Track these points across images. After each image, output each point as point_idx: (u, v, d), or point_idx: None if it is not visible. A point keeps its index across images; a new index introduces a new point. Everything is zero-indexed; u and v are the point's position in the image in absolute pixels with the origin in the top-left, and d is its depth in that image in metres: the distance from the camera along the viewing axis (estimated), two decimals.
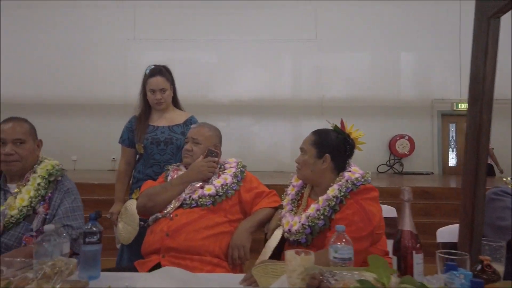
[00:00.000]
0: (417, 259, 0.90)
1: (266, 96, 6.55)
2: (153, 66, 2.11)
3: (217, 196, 1.48)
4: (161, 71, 2.02)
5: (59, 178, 1.56)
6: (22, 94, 6.53)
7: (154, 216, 1.48)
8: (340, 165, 1.35)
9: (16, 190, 1.53)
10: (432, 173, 6.38)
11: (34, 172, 1.57)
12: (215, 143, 1.70)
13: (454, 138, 6.62)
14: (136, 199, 1.76)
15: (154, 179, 1.80)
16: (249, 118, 6.67)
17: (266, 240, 1.47)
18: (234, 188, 1.53)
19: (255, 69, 6.66)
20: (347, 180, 1.29)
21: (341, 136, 1.39)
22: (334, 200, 1.25)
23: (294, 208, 1.40)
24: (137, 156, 2.02)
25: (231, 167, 1.64)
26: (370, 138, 6.46)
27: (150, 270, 1.26)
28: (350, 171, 1.34)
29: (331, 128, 1.41)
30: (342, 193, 1.26)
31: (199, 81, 6.54)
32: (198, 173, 1.56)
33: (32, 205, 1.47)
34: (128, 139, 2.07)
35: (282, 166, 6.30)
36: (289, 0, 6.52)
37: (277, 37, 6.52)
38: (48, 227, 0.99)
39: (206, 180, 1.57)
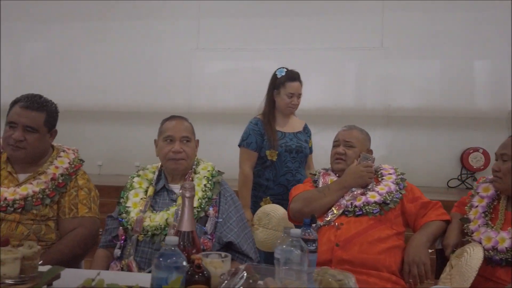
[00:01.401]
0: None
1: (330, 105, 6.41)
2: (286, 69, 2.08)
3: (383, 204, 1.36)
4: (299, 76, 2.01)
5: (220, 181, 1.52)
6: (87, 102, 6.76)
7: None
8: None
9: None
10: None
11: (195, 173, 1.54)
12: (368, 147, 1.60)
13: None
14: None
15: (288, 188, 1.73)
16: (313, 127, 6.48)
17: (442, 257, 1.32)
18: (397, 197, 1.41)
19: (319, 78, 6.53)
20: None
21: None
22: None
23: (489, 222, 1.25)
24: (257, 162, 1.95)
25: (389, 174, 1.52)
26: (440, 150, 6.20)
27: None
28: None
29: None
30: None
31: (263, 89, 6.45)
32: (358, 178, 1.46)
33: (202, 206, 1.43)
34: (256, 142, 2.02)
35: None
36: (354, 7, 6.40)
37: (342, 45, 6.39)
38: (170, 239, 0.89)
39: (365, 187, 1.46)
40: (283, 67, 2.05)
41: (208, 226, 1.45)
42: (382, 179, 1.47)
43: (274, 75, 2.09)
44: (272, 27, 6.59)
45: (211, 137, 6.23)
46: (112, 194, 3.71)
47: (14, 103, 1.63)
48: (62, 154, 1.77)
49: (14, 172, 1.67)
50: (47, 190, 1.63)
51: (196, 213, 1.43)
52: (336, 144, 1.62)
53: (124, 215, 1.56)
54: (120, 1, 6.83)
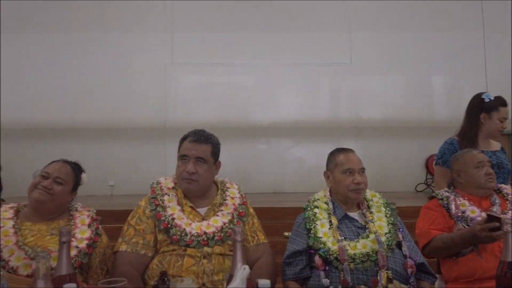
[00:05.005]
0: None
1: (304, 118, 6.66)
2: (488, 94, 2.15)
3: None
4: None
5: (393, 206, 1.85)
6: (59, 119, 6.40)
7: None
8: None
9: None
10: None
11: (366, 200, 1.74)
12: None
13: None
14: None
15: None
16: (289, 140, 6.74)
17: None
18: None
19: (293, 92, 6.79)
20: None
21: None
22: None
23: None
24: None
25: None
26: (406, 158, 6.67)
27: None
28: None
29: None
30: None
31: (238, 104, 6.60)
32: (489, 239, 1.64)
33: (391, 232, 1.70)
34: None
35: (323, 186, 6.31)
36: (324, 25, 6.76)
37: (314, 61, 6.71)
38: None
39: None
40: (485, 92, 2.16)
41: (405, 250, 1.61)
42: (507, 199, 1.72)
43: (480, 99, 2.17)
44: (246, 42, 6.74)
45: None
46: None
47: (183, 139, 1.77)
48: (228, 185, 1.85)
49: (195, 207, 1.72)
50: (234, 220, 1.70)
51: (389, 239, 1.59)
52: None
53: (321, 245, 1.60)
54: (89, 12, 6.59)
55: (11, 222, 1.61)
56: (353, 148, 1.86)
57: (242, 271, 0.98)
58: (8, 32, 6.48)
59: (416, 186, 6.57)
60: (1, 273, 1.18)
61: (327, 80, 6.89)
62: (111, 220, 3.28)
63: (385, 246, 1.58)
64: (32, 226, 1.63)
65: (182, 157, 1.72)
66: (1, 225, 1.58)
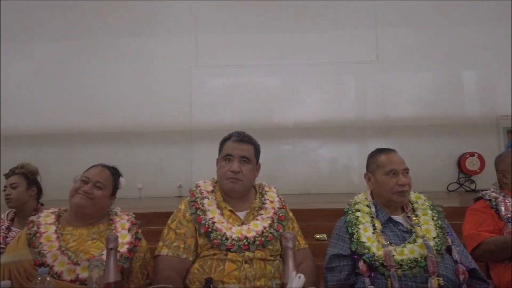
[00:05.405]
0: None
1: (330, 118, 6.56)
2: None
3: None
4: None
5: (439, 209, 1.75)
6: (88, 123, 6.53)
7: None
8: None
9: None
10: None
11: (411, 203, 1.73)
12: None
13: None
14: None
15: None
16: (315, 141, 6.66)
17: None
18: None
19: (318, 92, 6.70)
20: None
21: None
22: None
23: None
24: None
25: None
26: (438, 157, 6.47)
27: None
28: None
29: None
30: None
31: (263, 105, 6.57)
32: None
33: (440, 236, 1.62)
34: None
35: (351, 187, 6.22)
36: (349, 22, 6.65)
37: (339, 60, 6.61)
38: None
39: None
40: None
41: (455, 255, 1.52)
42: None
43: None
44: (270, 43, 6.70)
45: (214, 154, 6.16)
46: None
47: (226, 140, 1.75)
48: (266, 188, 1.81)
49: (234, 211, 1.69)
50: (274, 224, 1.65)
51: (438, 244, 1.52)
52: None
53: (365, 250, 1.53)
54: (114, 18, 6.71)
55: (53, 227, 1.62)
56: (382, 147, 1.79)
57: (297, 280, 0.94)
58: (42, 41, 6.69)
59: (448, 185, 6.37)
60: (48, 279, 1.18)
61: (353, 79, 6.77)
62: (141, 223, 3.30)
63: (434, 251, 1.50)
64: (73, 231, 1.63)
65: (226, 157, 1.69)
66: (44, 230, 1.60)
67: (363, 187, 1.64)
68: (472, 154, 6.33)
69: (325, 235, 3.79)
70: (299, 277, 0.94)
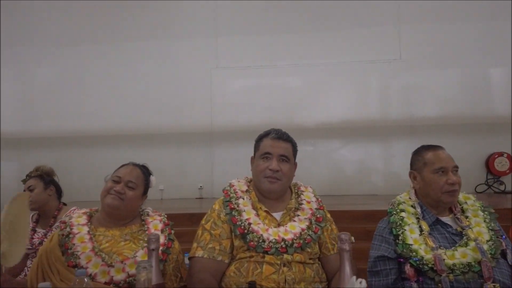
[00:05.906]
0: None
1: (353, 118, 6.44)
2: None
3: None
4: None
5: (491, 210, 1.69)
6: (110, 125, 6.57)
7: None
8: None
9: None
10: None
11: (460, 204, 1.62)
12: None
13: None
14: None
15: None
16: (337, 141, 6.55)
17: None
18: None
19: (340, 92, 6.59)
20: None
21: None
22: None
23: None
24: None
25: None
26: (465, 157, 6.26)
27: None
28: None
29: None
30: None
31: (284, 106, 6.48)
32: None
33: (494, 239, 1.54)
34: None
35: (375, 189, 6.10)
36: (371, 21, 6.53)
37: (361, 59, 6.48)
38: None
39: None
40: None
41: (511, 259, 1.44)
42: None
43: None
44: (291, 43, 6.62)
45: (235, 155, 6.14)
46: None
47: (262, 137, 1.68)
48: (302, 188, 1.74)
49: (270, 212, 1.62)
50: (312, 226, 1.58)
51: (492, 247, 1.43)
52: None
53: (412, 253, 1.45)
54: (134, 21, 6.75)
55: (86, 228, 1.58)
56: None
57: (359, 285, 0.87)
58: (65, 46, 6.78)
59: (476, 187, 6.16)
60: (86, 280, 1.14)
61: (376, 78, 6.62)
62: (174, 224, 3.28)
63: (489, 255, 1.40)
64: (106, 232, 1.60)
65: (264, 155, 1.63)
66: (77, 231, 1.56)
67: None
68: (501, 154, 6.11)
69: (352, 238, 3.69)
70: (360, 282, 0.87)
